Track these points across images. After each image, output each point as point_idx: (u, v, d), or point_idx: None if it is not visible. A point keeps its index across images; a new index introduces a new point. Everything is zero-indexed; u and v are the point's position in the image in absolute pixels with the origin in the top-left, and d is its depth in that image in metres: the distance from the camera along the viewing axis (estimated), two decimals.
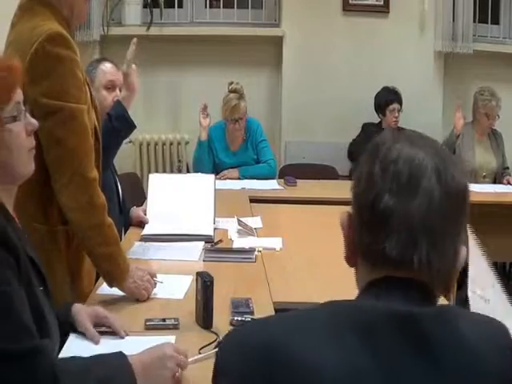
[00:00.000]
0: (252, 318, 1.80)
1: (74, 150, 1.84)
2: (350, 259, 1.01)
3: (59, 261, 1.95)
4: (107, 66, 2.92)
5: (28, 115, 1.44)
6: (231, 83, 4.38)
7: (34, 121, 1.45)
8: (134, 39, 2.42)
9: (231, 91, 4.35)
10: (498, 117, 4.61)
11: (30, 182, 1.70)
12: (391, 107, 4.70)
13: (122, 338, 1.68)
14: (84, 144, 1.86)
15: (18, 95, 1.41)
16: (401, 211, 0.90)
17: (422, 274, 0.91)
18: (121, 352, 1.43)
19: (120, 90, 2.75)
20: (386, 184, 0.92)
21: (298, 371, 0.87)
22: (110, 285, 1.92)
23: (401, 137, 0.97)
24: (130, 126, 2.51)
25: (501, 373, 0.92)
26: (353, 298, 0.96)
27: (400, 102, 4.72)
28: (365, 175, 0.95)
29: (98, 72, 2.89)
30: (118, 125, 2.45)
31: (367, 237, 0.94)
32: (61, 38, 1.81)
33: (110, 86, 2.87)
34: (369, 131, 4.76)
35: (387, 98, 4.72)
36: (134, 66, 2.44)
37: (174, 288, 2.09)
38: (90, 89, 1.99)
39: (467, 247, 0.96)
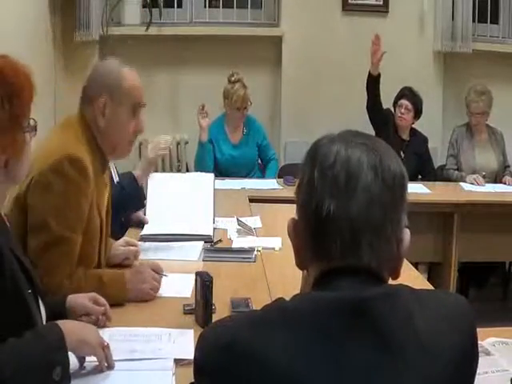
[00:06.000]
0: None
1: (53, 270, 1.85)
2: (301, 264, 1.03)
3: None
4: None
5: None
6: (232, 74, 4.42)
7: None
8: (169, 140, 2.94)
9: (235, 81, 4.38)
10: (488, 114, 4.52)
11: None
12: (399, 102, 4.54)
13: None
14: (63, 267, 1.89)
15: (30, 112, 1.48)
16: (342, 213, 0.94)
17: (371, 262, 0.95)
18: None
19: None
20: (326, 189, 0.95)
21: (257, 364, 0.90)
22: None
23: (336, 138, 1.00)
24: (143, 203, 2.80)
25: (455, 352, 0.94)
26: None
27: (412, 102, 4.51)
28: (305, 182, 0.98)
29: None
30: (132, 203, 2.75)
31: (313, 241, 0.97)
32: (79, 164, 1.90)
33: None
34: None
35: (399, 93, 4.57)
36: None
37: (178, 286, 2.09)
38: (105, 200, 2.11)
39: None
